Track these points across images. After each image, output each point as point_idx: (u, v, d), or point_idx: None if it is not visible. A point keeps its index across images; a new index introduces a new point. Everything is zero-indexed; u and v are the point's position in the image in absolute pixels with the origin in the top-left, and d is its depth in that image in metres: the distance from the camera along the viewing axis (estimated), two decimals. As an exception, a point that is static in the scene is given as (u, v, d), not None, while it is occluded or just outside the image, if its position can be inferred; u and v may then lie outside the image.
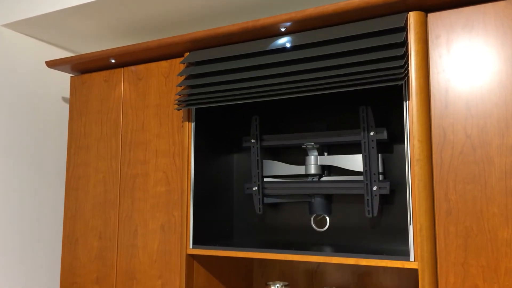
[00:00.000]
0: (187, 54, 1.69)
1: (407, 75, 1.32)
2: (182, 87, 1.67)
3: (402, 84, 1.57)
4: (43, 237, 2.12)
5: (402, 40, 1.31)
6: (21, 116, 2.06)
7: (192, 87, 1.64)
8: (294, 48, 1.47)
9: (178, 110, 1.66)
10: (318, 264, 1.77)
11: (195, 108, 1.68)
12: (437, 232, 1.27)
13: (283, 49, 1.49)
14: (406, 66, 1.31)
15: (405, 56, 1.32)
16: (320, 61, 1.41)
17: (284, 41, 1.49)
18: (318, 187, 1.60)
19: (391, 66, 1.30)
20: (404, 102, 1.33)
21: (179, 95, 1.63)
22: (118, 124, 1.88)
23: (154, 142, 1.78)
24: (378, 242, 1.60)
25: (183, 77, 1.71)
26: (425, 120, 1.29)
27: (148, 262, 1.74)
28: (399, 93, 1.61)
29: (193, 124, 1.67)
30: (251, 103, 1.89)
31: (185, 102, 1.63)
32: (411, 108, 1.30)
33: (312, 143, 1.63)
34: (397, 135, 1.61)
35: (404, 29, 1.33)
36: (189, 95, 1.63)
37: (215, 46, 1.65)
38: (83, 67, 1.97)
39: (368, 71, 1.33)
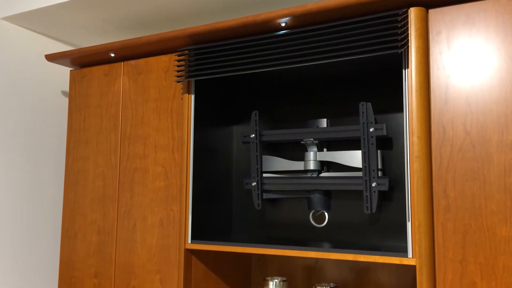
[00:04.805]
0: (186, 52, 1.69)
1: (406, 43, 1.32)
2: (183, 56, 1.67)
3: (402, 65, 1.57)
4: (42, 231, 2.12)
5: (401, 19, 1.31)
6: (20, 109, 2.06)
7: (192, 52, 1.66)
8: (294, 32, 1.48)
9: (179, 82, 1.66)
10: (317, 260, 1.77)
11: (195, 102, 1.68)
12: (435, 229, 1.27)
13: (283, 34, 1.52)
14: (405, 34, 1.32)
15: (405, 18, 1.32)
16: (318, 32, 1.45)
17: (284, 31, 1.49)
18: (317, 183, 1.60)
19: (390, 33, 1.32)
20: (403, 71, 1.33)
21: (179, 66, 1.65)
22: (118, 119, 1.88)
23: (154, 137, 1.78)
24: (376, 238, 1.60)
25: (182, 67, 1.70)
26: (424, 116, 1.29)
27: (146, 256, 1.74)
28: (399, 87, 1.61)
29: (192, 119, 1.67)
30: (250, 97, 1.89)
31: (186, 73, 1.64)
32: (410, 91, 1.29)
33: (312, 139, 1.63)
34: (396, 132, 1.60)
35: (404, 12, 1.32)
36: (189, 65, 1.63)
37: (215, 40, 1.65)
38: (83, 61, 1.96)
39: (367, 34, 1.36)
